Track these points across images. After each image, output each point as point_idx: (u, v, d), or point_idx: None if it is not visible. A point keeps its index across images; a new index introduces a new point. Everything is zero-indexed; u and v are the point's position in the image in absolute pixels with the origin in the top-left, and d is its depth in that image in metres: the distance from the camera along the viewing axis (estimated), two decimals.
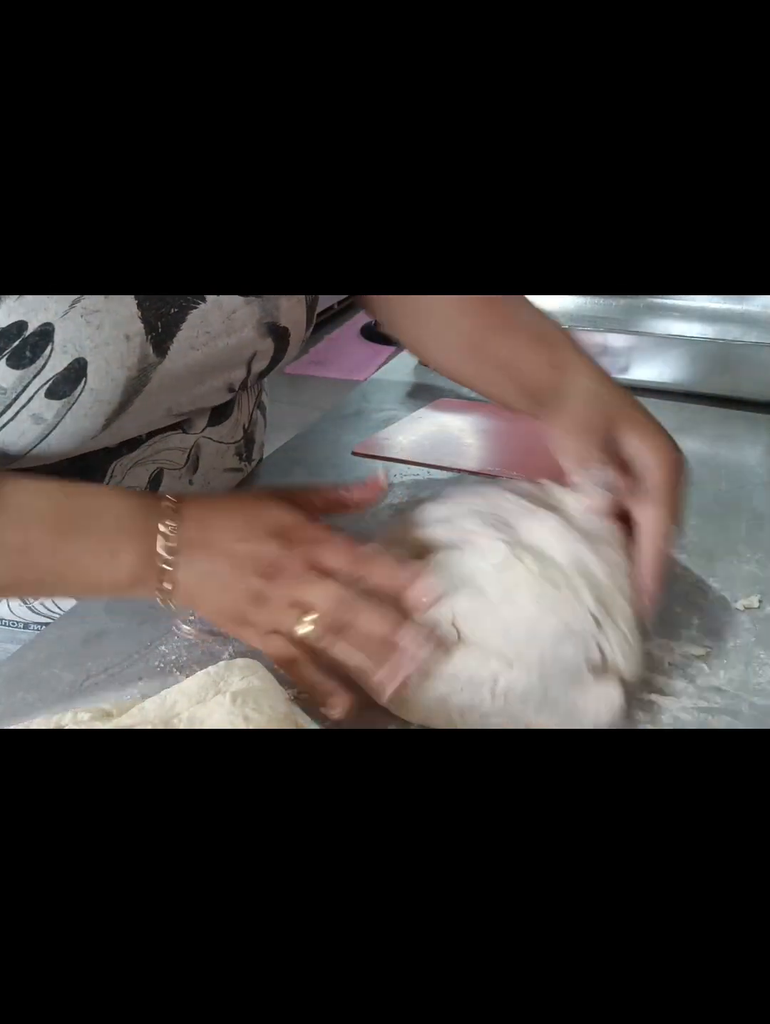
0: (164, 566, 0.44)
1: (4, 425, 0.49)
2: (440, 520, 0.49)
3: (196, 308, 0.54)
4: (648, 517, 0.49)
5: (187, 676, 0.40)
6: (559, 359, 0.55)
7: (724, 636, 0.52)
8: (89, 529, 0.45)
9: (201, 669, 0.40)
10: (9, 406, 0.48)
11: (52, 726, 0.36)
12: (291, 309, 0.61)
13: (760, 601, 0.55)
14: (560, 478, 0.54)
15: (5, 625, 0.64)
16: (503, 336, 0.58)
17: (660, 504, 0.49)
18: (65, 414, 0.50)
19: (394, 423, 0.83)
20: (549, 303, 1.14)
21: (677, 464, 0.50)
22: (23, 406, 0.48)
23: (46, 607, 0.63)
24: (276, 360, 0.63)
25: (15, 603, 0.63)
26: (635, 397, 0.53)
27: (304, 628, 0.43)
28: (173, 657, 0.52)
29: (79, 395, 0.49)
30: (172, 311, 0.52)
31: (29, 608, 0.64)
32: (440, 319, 0.61)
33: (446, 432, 0.82)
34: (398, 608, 0.43)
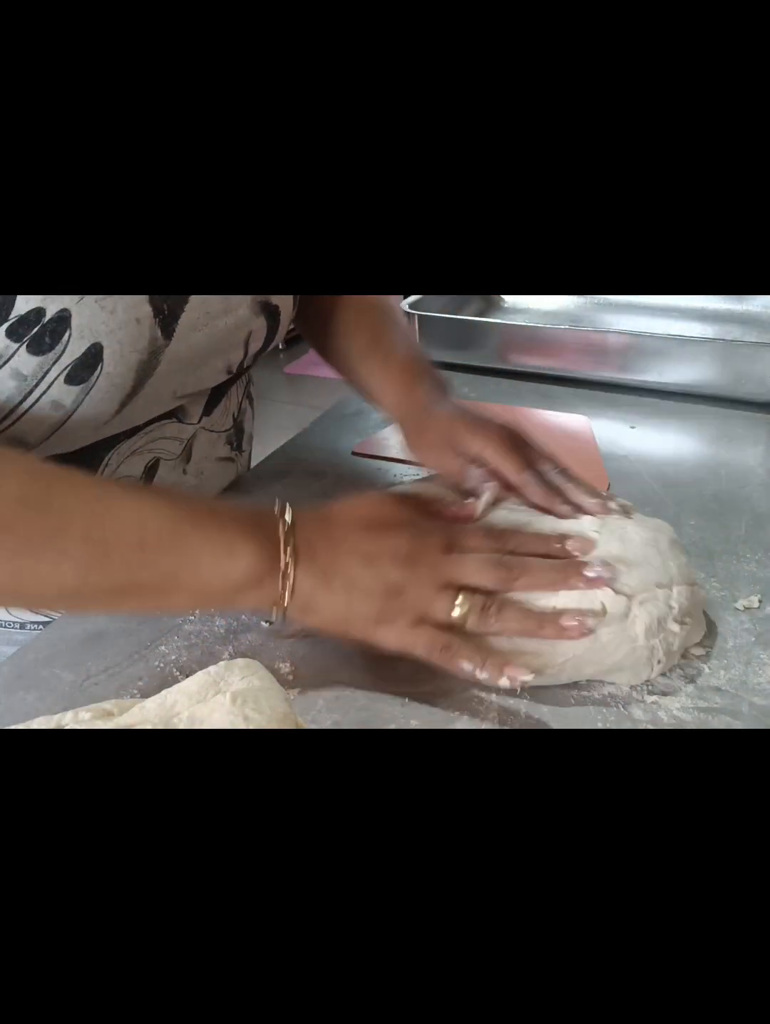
0: (285, 566, 0.43)
1: (25, 413, 0.49)
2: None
3: None
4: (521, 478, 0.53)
5: (187, 676, 0.40)
6: (408, 384, 0.62)
7: (724, 636, 0.52)
8: (206, 526, 0.44)
9: (201, 669, 0.40)
10: (29, 393, 0.49)
11: (53, 725, 0.36)
12: None
13: (760, 601, 0.55)
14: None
15: (1, 626, 0.64)
16: (370, 359, 0.66)
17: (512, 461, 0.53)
18: (83, 400, 0.50)
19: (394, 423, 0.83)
20: (549, 303, 1.14)
21: (500, 433, 0.55)
22: (43, 393, 0.49)
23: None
24: (269, 339, 0.65)
25: None
26: (466, 409, 0.59)
27: (459, 609, 0.43)
28: (173, 657, 0.52)
29: (96, 380, 0.50)
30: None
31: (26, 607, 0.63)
32: (340, 336, 0.69)
33: None
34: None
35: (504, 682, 0.43)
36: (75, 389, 0.49)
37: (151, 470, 0.62)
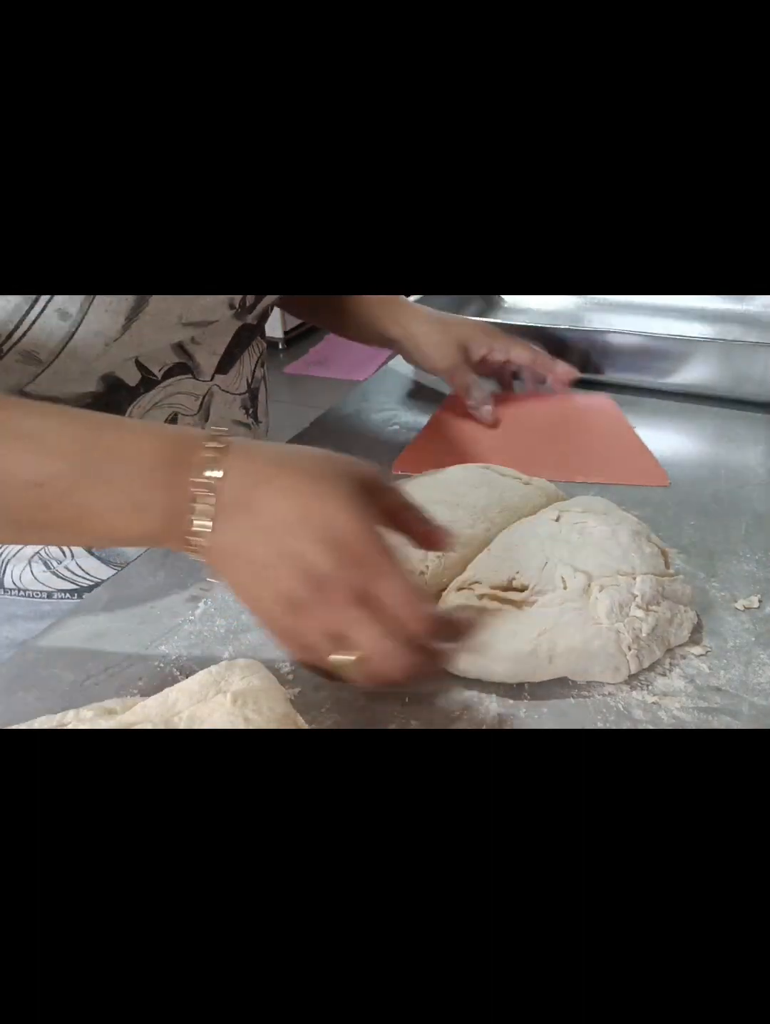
0: (195, 531, 0.39)
1: (34, 320, 0.50)
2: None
3: None
4: (526, 358, 0.80)
5: (187, 676, 0.40)
6: (397, 312, 0.78)
7: (724, 636, 0.52)
8: (114, 477, 0.39)
9: (201, 669, 0.40)
10: (36, 300, 0.50)
11: (55, 723, 0.36)
12: None
13: (760, 601, 0.55)
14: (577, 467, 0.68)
15: (27, 596, 0.65)
16: (375, 300, 0.80)
17: (526, 348, 0.77)
18: (88, 309, 0.51)
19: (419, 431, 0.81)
20: (548, 303, 1.14)
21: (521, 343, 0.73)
22: (49, 300, 0.50)
23: (72, 571, 0.65)
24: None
25: (38, 567, 0.64)
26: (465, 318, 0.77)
27: (339, 659, 0.39)
28: (173, 657, 0.52)
29: None
30: None
31: (54, 573, 0.64)
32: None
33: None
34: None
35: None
36: (79, 298, 0.50)
37: (171, 423, 0.63)
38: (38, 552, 0.64)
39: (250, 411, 0.74)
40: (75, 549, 0.64)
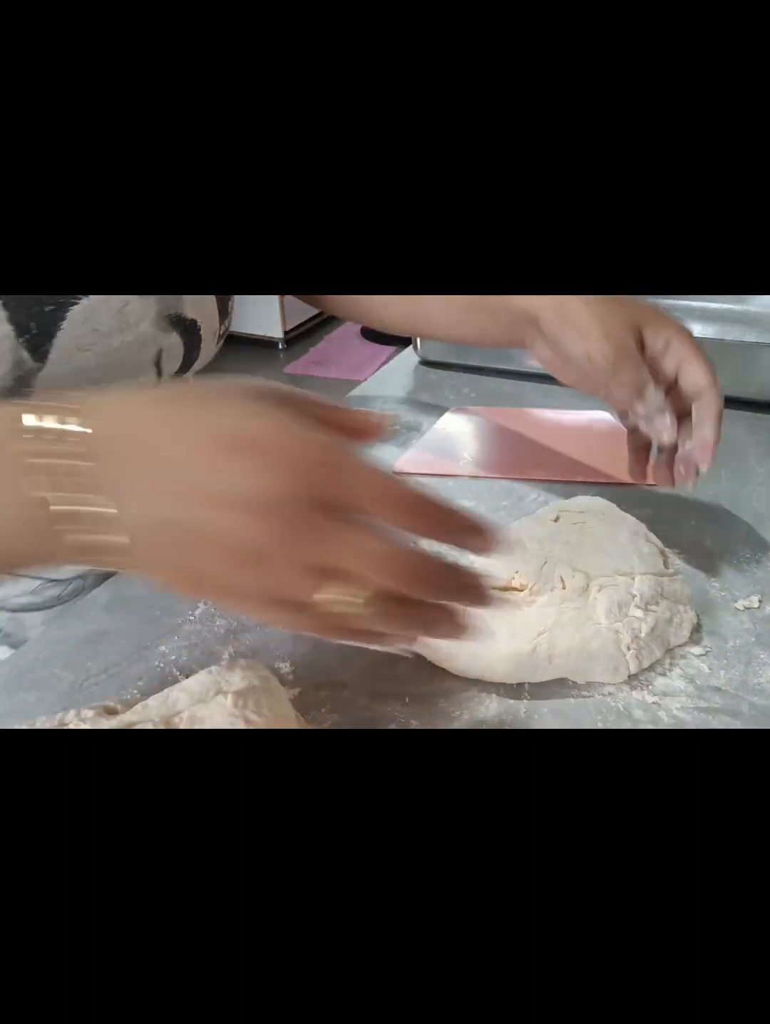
0: (62, 522, 0.28)
1: None
2: None
3: (77, 304, 0.48)
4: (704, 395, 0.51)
5: (187, 676, 0.40)
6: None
7: (724, 636, 0.52)
8: None
9: (201, 669, 0.40)
10: None
11: (55, 723, 0.36)
12: (198, 300, 0.56)
13: (760, 601, 0.55)
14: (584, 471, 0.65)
15: None
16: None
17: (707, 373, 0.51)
18: None
19: (421, 438, 0.80)
20: None
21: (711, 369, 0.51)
22: None
23: None
24: (190, 358, 0.58)
25: None
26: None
27: (325, 596, 0.29)
28: (173, 657, 0.52)
29: None
30: (47, 309, 0.46)
31: None
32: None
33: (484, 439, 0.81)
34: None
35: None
36: None
37: None
38: None
39: None
40: None
